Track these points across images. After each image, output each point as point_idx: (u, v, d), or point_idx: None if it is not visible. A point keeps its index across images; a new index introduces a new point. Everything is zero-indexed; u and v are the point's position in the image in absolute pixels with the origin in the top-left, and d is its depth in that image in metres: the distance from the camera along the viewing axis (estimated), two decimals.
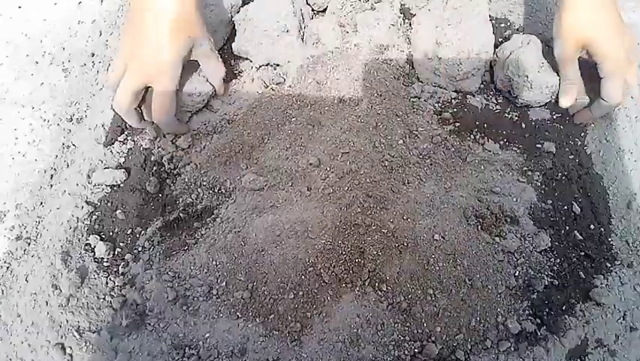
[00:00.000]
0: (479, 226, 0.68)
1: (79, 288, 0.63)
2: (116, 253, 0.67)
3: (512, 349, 0.61)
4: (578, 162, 0.75)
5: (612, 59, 0.69)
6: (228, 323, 0.62)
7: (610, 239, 0.70)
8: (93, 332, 0.61)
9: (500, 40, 0.84)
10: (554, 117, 0.78)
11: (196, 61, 0.73)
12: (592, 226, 0.71)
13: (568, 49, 0.70)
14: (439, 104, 0.78)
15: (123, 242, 0.68)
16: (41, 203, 0.70)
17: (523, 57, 0.73)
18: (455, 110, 0.78)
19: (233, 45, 0.81)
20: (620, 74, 0.70)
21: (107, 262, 0.66)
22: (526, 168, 0.74)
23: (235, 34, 0.82)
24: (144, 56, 0.67)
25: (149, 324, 0.62)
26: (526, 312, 0.63)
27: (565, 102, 0.73)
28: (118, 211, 0.70)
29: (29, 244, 0.67)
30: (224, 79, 0.77)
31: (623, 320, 0.64)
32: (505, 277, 0.65)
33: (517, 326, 0.62)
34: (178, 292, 0.63)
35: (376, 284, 0.63)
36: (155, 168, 0.73)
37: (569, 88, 0.73)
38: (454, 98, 0.78)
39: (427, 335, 0.61)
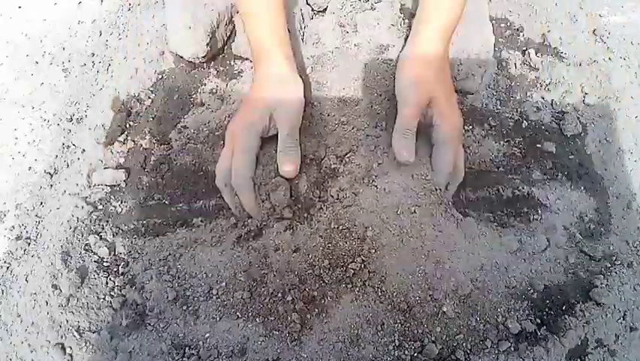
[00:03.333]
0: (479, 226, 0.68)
1: (79, 288, 0.63)
2: (116, 253, 0.67)
3: (512, 349, 0.61)
4: (578, 162, 0.75)
5: (452, 121, 0.67)
6: (228, 323, 0.62)
7: (610, 239, 0.70)
8: (93, 332, 0.61)
9: (500, 40, 0.84)
10: (554, 117, 0.78)
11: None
12: (592, 226, 0.71)
13: (419, 101, 0.65)
14: None
15: (123, 242, 0.68)
16: (41, 203, 0.70)
17: None
18: None
19: (233, 45, 0.81)
20: (455, 142, 0.67)
21: (107, 262, 0.66)
22: (526, 168, 0.74)
23: (235, 34, 0.82)
24: None
25: (149, 324, 0.62)
26: (526, 312, 0.63)
27: (407, 156, 0.64)
28: (118, 211, 0.70)
29: (29, 244, 0.67)
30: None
31: (623, 320, 0.64)
32: (505, 277, 0.65)
33: (517, 326, 0.62)
34: (178, 292, 0.63)
35: (376, 284, 0.63)
36: (155, 168, 0.73)
37: (410, 141, 0.65)
38: None
39: (427, 335, 0.61)
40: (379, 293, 0.62)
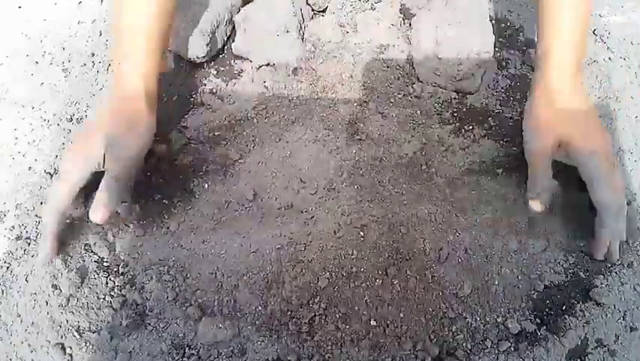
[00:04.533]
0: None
1: (79, 288, 0.63)
2: (116, 253, 0.67)
3: (512, 349, 0.61)
4: None
5: (600, 153, 0.58)
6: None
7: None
8: (93, 332, 0.61)
9: (500, 40, 0.84)
10: None
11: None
12: (592, 226, 0.71)
13: (543, 142, 0.60)
14: (439, 104, 0.78)
15: (123, 242, 0.68)
16: (41, 203, 0.70)
17: None
18: (455, 110, 0.78)
19: (233, 45, 0.81)
20: (610, 171, 0.59)
21: (106, 262, 0.66)
22: (525, 168, 0.73)
23: (235, 34, 0.82)
24: None
25: (149, 324, 0.62)
26: (526, 312, 0.63)
27: (537, 208, 0.62)
28: (118, 211, 0.70)
29: (29, 244, 0.67)
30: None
31: (623, 320, 0.64)
32: (505, 277, 0.65)
33: (517, 326, 0.62)
34: (178, 293, 0.63)
35: (376, 283, 0.63)
36: (155, 168, 0.73)
37: (537, 193, 0.62)
38: (454, 98, 0.78)
39: (427, 334, 0.61)
40: (379, 292, 0.62)
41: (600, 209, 0.60)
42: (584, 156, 0.59)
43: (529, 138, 0.63)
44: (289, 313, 0.62)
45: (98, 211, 0.57)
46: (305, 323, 0.61)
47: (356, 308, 0.62)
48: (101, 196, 0.58)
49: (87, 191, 0.62)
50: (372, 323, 0.61)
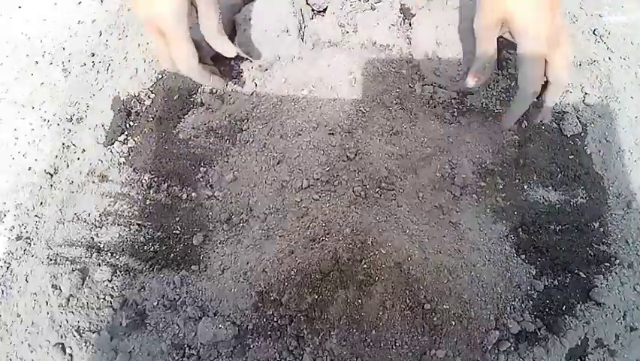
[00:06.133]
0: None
1: (79, 288, 0.63)
2: (116, 252, 0.67)
3: (512, 349, 0.61)
4: (578, 162, 0.75)
5: (532, 36, 0.58)
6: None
7: (610, 239, 0.70)
8: (93, 332, 0.61)
9: (500, 40, 0.84)
10: (554, 117, 0.78)
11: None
12: (592, 226, 0.71)
13: (486, 21, 0.60)
14: (439, 104, 0.78)
15: (124, 242, 0.68)
16: (41, 203, 0.70)
17: None
18: (455, 110, 0.77)
19: None
20: (539, 56, 0.59)
21: (107, 262, 0.66)
22: (525, 169, 0.74)
23: (235, 34, 0.82)
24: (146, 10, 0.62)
25: (149, 324, 0.62)
26: (526, 312, 0.63)
27: (472, 82, 0.64)
28: (118, 211, 0.70)
29: (29, 244, 0.67)
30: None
31: (623, 319, 0.64)
32: (505, 277, 0.65)
33: (517, 326, 0.62)
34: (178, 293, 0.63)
35: (376, 283, 0.63)
36: (155, 168, 0.73)
37: (480, 68, 0.64)
38: (454, 98, 0.78)
39: (429, 335, 0.61)
40: (379, 292, 0.62)
41: (518, 89, 0.62)
42: (519, 38, 0.59)
43: (475, 17, 0.62)
44: (289, 313, 0.62)
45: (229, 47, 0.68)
46: (306, 323, 0.61)
47: (356, 308, 0.61)
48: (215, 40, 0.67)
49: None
50: (374, 323, 0.61)
